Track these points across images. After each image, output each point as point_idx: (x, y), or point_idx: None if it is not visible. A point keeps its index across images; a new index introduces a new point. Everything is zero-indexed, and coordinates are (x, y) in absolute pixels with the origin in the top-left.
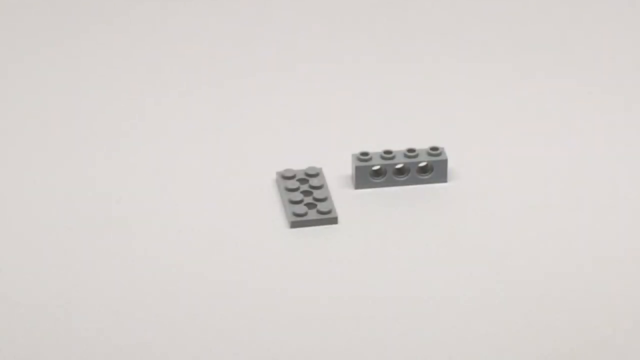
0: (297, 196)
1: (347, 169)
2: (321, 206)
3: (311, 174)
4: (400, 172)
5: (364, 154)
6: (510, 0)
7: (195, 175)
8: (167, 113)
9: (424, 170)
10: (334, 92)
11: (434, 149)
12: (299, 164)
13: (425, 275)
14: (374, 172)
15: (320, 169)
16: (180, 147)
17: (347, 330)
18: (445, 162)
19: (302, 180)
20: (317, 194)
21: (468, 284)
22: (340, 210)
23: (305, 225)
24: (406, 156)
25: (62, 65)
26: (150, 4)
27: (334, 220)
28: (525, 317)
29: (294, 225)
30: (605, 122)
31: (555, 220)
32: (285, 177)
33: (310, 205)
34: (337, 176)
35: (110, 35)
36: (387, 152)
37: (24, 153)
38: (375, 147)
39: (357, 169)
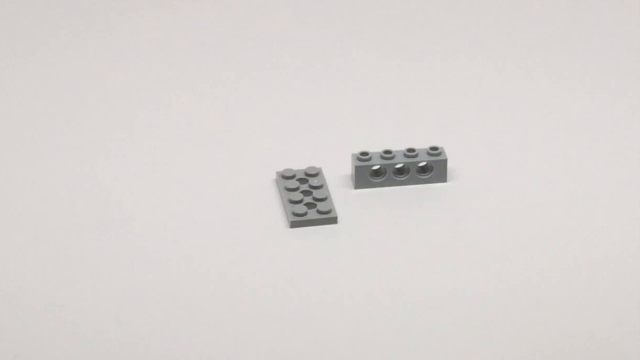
0: (297, 196)
1: (347, 169)
2: (321, 206)
3: (311, 174)
4: (400, 172)
5: (364, 154)
6: (511, 0)
7: (195, 176)
8: (167, 113)
9: (424, 170)
10: (334, 92)
11: (434, 149)
12: (299, 164)
13: (425, 275)
14: (374, 172)
15: (320, 169)
16: (180, 147)
17: (347, 330)
18: (445, 162)
19: (302, 180)
20: (317, 194)
21: (468, 284)
22: (340, 210)
23: (305, 225)
24: (406, 156)
25: (62, 66)
26: (150, 4)
27: (334, 220)
28: (525, 317)
29: (294, 225)
30: (605, 122)
31: (555, 220)
32: (285, 177)
33: (310, 205)
34: (337, 176)
35: (110, 36)
36: (387, 152)
37: (24, 153)
38: (375, 147)
39: (357, 169)
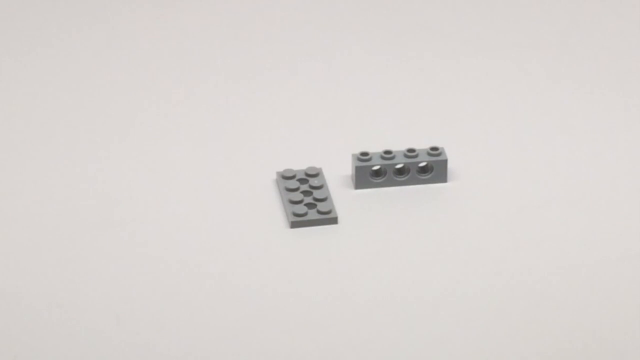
0: (297, 196)
1: (347, 169)
2: (321, 206)
3: (311, 174)
4: (400, 172)
5: (364, 154)
6: (511, 0)
7: (195, 175)
8: (167, 113)
9: (424, 170)
10: (334, 92)
11: (434, 149)
12: (299, 164)
13: (425, 275)
14: (374, 172)
15: (320, 169)
16: (180, 147)
17: (347, 330)
18: (445, 162)
19: (302, 180)
20: (317, 194)
21: (468, 284)
22: (340, 210)
23: (305, 225)
24: (406, 156)
25: (62, 65)
26: (151, 4)
27: (334, 220)
28: (525, 317)
29: (294, 225)
30: (605, 122)
31: (555, 220)
32: (285, 177)
33: (310, 205)
34: (337, 176)
35: (111, 35)
36: (387, 152)
37: (24, 153)
38: (375, 147)
39: (357, 169)
